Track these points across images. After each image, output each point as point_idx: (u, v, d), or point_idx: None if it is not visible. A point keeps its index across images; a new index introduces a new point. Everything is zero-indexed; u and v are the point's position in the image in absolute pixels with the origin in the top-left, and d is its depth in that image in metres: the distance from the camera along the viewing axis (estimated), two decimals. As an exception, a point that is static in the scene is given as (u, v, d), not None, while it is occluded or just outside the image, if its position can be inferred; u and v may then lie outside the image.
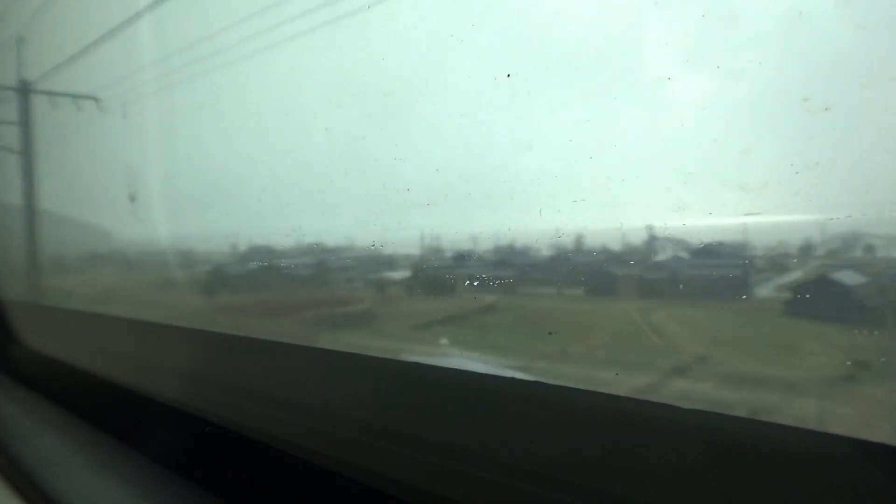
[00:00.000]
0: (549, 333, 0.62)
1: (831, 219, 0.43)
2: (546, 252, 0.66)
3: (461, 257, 0.73)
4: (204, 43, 1.00)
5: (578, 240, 0.58)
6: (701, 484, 0.43)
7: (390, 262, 0.85)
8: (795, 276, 0.55)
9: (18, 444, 1.03)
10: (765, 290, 0.54)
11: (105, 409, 1.17)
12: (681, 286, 0.57)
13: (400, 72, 0.69)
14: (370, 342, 0.79)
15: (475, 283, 0.70)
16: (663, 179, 0.51)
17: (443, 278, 0.74)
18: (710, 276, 0.54)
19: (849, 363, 0.48)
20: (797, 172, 0.43)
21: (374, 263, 0.88)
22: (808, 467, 0.39)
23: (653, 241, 0.56)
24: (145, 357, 1.14)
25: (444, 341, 0.68)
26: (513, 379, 0.56)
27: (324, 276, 0.91)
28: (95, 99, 1.35)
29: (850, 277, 0.51)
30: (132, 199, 1.22)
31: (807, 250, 0.52)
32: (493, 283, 0.70)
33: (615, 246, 0.59)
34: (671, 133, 0.51)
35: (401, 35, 0.69)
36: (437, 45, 0.65)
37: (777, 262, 0.55)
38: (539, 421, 0.53)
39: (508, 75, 0.58)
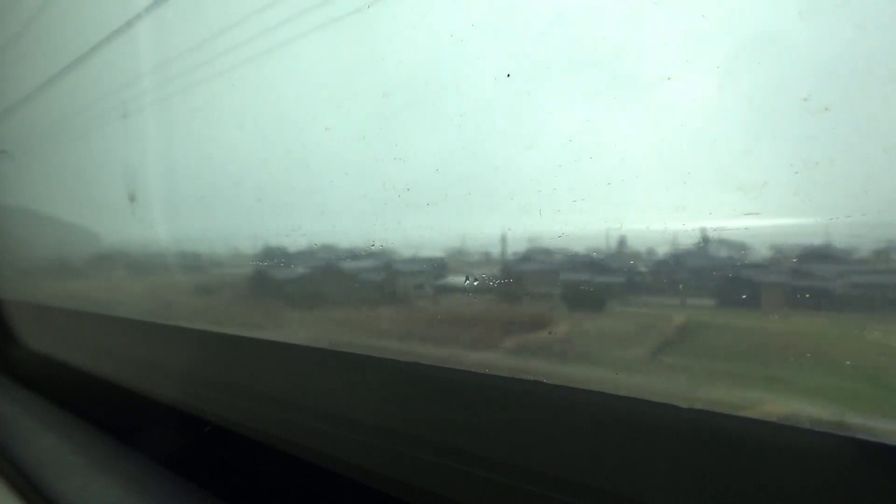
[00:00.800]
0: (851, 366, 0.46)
1: (831, 219, 0.43)
2: (643, 255, 0.58)
3: (528, 260, 0.66)
4: (204, 46, 1.00)
5: (678, 241, 0.52)
6: (701, 483, 0.43)
7: (445, 265, 0.77)
8: None
9: (18, 445, 1.02)
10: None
11: (105, 409, 1.17)
12: (849, 296, 0.48)
13: (400, 72, 0.69)
14: (629, 380, 0.59)
15: (601, 293, 0.62)
16: (663, 179, 0.51)
17: (566, 286, 0.64)
18: (877, 284, 0.47)
19: None
20: (797, 172, 0.43)
21: (437, 268, 0.78)
22: (808, 467, 0.39)
23: (724, 243, 0.51)
24: (145, 357, 1.14)
25: (742, 395, 0.51)
26: (513, 379, 0.56)
27: (394, 282, 0.82)
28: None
29: None
30: (131, 198, 1.22)
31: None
32: (623, 295, 0.61)
33: (720, 248, 0.52)
34: (671, 133, 0.51)
35: (401, 35, 0.69)
36: (436, 45, 0.65)
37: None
38: (539, 421, 0.53)
39: (508, 75, 0.58)
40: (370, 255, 0.79)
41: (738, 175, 0.47)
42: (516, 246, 0.66)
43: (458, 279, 0.72)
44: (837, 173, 0.42)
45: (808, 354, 0.47)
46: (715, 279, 0.55)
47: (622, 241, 0.58)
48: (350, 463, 0.68)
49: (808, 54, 0.45)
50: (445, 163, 0.64)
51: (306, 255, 0.88)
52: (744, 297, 0.52)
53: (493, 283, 0.70)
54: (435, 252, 0.76)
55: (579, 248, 0.61)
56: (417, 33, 0.67)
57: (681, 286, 0.57)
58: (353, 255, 0.82)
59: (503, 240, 0.66)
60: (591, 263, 0.61)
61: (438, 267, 0.78)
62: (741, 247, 0.51)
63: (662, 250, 0.56)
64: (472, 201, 0.63)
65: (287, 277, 0.96)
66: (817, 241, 0.48)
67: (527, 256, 0.67)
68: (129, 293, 1.51)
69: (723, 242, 0.51)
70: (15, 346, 1.72)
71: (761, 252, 0.51)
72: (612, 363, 0.63)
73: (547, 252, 0.65)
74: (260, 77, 0.92)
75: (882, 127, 0.41)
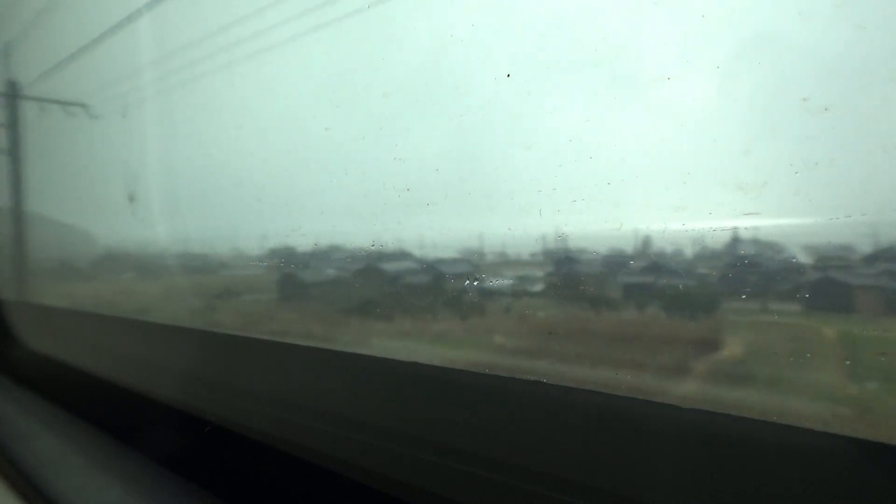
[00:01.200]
0: None
1: (831, 219, 0.43)
2: (699, 256, 0.53)
3: (567, 261, 0.61)
4: (204, 44, 1.00)
5: (729, 239, 0.49)
6: (700, 483, 0.43)
7: (485, 268, 0.70)
8: None
9: (18, 445, 1.02)
10: None
11: (105, 409, 1.17)
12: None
13: (400, 72, 0.69)
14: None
15: (701, 299, 0.56)
16: (663, 179, 0.51)
17: (655, 291, 0.57)
18: None
19: None
20: (797, 172, 0.43)
21: (473, 268, 0.71)
22: (808, 467, 0.39)
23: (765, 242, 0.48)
24: (145, 357, 1.14)
25: None
26: (513, 379, 0.56)
27: (436, 285, 0.74)
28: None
29: None
30: (132, 198, 1.22)
31: None
32: (719, 301, 0.55)
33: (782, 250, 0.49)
34: (671, 133, 0.51)
35: (401, 35, 0.69)
36: (437, 46, 0.65)
37: None
38: (539, 421, 0.53)
39: (508, 75, 0.58)
40: (403, 256, 0.74)
41: (738, 175, 0.47)
42: (523, 247, 0.65)
43: (524, 283, 0.65)
44: (837, 173, 0.42)
45: None
46: (797, 282, 0.51)
47: (647, 241, 0.56)
48: (350, 463, 0.68)
49: (808, 54, 0.45)
50: (445, 163, 0.64)
51: (321, 255, 0.85)
52: (841, 301, 0.49)
53: (563, 285, 0.64)
54: (453, 253, 0.73)
55: (627, 248, 0.57)
56: (418, 34, 0.67)
57: (770, 290, 0.52)
58: (385, 256, 0.75)
59: (559, 238, 0.60)
60: (654, 265, 0.56)
61: (479, 269, 0.71)
62: (800, 248, 0.49)
63: (719, 251, 0.53)
64: (472, 201, 0.63)
65: (319, 280, 0.89)
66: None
67: (571, 257, 0.62)
68: (169, 299, 1.45)
69: (758, 242, 0.49)
70: (15, 346, 1.72)
71: (840, 253, 0.48)
72: (820, 394, 0.52)
73: (593, 252, 0.61)
74: (261, 77, 0.92)
75: (882, 127, 0.41)
